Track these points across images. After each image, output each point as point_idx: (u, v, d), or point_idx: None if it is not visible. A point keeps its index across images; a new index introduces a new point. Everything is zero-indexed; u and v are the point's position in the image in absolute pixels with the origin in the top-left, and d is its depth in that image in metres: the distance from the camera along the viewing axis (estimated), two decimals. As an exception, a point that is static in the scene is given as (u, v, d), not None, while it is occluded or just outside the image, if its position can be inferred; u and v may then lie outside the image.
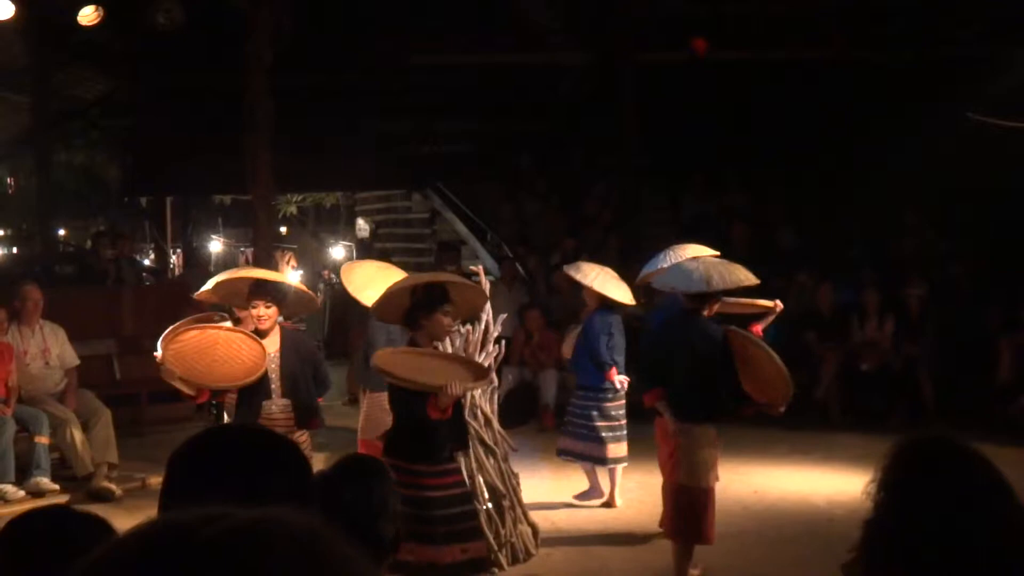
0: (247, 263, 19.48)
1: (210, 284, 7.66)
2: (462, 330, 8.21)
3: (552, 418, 12.64)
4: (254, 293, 7.26)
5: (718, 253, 8.51)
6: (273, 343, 7.31)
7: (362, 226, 24.97)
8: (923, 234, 15.49)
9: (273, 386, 7.28)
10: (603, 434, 9.48)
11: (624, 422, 9.58)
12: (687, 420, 7.39)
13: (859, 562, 2.78)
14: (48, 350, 10.79)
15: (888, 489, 2.74)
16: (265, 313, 7.23)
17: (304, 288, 7.76)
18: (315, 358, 7.74)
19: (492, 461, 7.90)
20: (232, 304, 7.97)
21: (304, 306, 8.06)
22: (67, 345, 10.97)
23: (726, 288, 7.38)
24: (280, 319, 7.58)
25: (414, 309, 6.77)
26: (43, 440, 10.32)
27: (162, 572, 0.89)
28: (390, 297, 6.93)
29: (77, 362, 11.01)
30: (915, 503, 2.68)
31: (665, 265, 8.44)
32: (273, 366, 7.31)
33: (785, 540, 8.43)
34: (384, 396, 8.45)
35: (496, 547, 7.73)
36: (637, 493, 9.86)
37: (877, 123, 16.29)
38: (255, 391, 7.21)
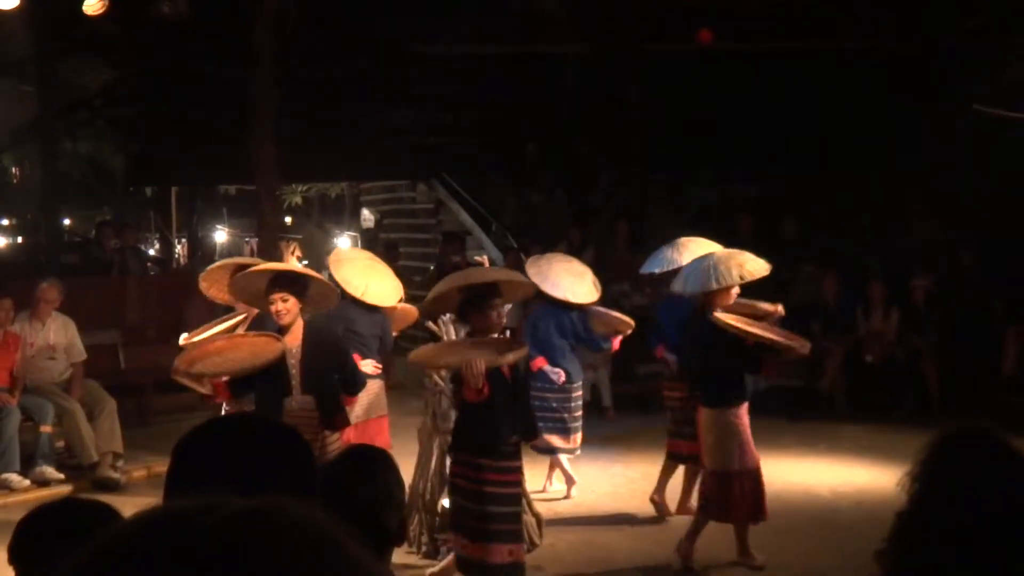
0: (252, 253, 19.50)
1: (211, 270, 7.76)
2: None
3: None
4: (270, 288, 6.98)
5: (722, 248, 8.68)
6: (295, 338, 6.99)
7: (367, 216, 24.97)
8: (928, 225, 15.46)
9: (293, 382, 6.96)
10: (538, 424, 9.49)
11: (562, 415, 9.57)
12: (710, 406, 7.77)
13: (891, 552, 2.78)
14: (53, 345, 10.78)
15: (924, 481, 2.74)
16: (283, 307, 6.91)
17: (323, 279, 7.52)
18: (340, 354, 7.36)
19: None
20: (253, 306, 7.69)
21: (326, 299, 7.55)
22: (76, 339, 10.95)
23: (732, 284, 7.65)
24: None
25: (465, 305, 6.76)
26: (48, 429, 10.34)
27: (162, 559, 0.88)
28: (441, 295, 6.95)
29: (84, 356, 10.99)
30: (950, 496, 2.67)
31: (668, 256, 8.91)
32: (293, 361, 6.98)
33: (789, 530, 8.43)
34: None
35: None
36: (640, 484, 9.87)
37: (883, 114, 16.26)
38: (274, 387, 6.93)
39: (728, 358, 7.67)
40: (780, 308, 8.63)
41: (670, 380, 9.18)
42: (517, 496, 6.77)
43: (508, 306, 8.47)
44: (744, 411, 7.76)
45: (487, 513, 6.52)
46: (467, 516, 6.65)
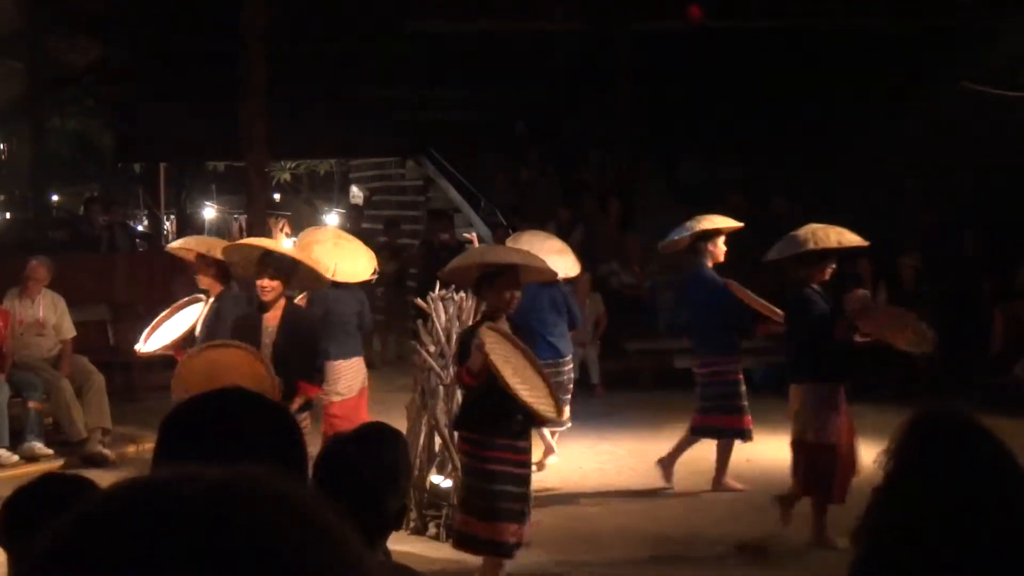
0: (241, 230, 19.49)
1: (185, 243, 8.44)
2: (455, 297, 8.22)
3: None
4: (259, 265, 7.26)
5: (740, 224, 8.92)
6: (274, 316, 7.25)
7: (356, 193, 24.92)
8: (918, 203, 15.46)
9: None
10: None
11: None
12: (795, 381, 8.22)
13: (865, 529, 2.81)
14: (43, 323, 10.76)
15: (898, 458, 2.78)
16: (269, 284, 7.19)
17: (314, 264, 7.63)
18: (311, 337, 7.56)
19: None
20: (246, 273, 7.87)
21: (313, 281, 7.86)
22: (66, 316, 10.94)
23: (823, 248, 7.84)
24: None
25: (480, 281, 6.77)
26: (36, 405, 10.34)
27: (136, 527, 0.89)
28: (459, 268, 6.95)
29: (74, 334, 10.99)
30: (922, 473, 2.71)
31: (680, 235, 9.21)
32: (267, 341, 7.23)
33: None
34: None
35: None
36: (628, 460, 9.91)
37: (875, 92, 16.25)
38: None
39: (823, 336, 7.78)
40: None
41: (699, 357, 9.32)
42: (523, 477, 6.73)
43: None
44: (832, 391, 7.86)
45: (494, 492, 6.53)
46: (474, 495, 6.65)
